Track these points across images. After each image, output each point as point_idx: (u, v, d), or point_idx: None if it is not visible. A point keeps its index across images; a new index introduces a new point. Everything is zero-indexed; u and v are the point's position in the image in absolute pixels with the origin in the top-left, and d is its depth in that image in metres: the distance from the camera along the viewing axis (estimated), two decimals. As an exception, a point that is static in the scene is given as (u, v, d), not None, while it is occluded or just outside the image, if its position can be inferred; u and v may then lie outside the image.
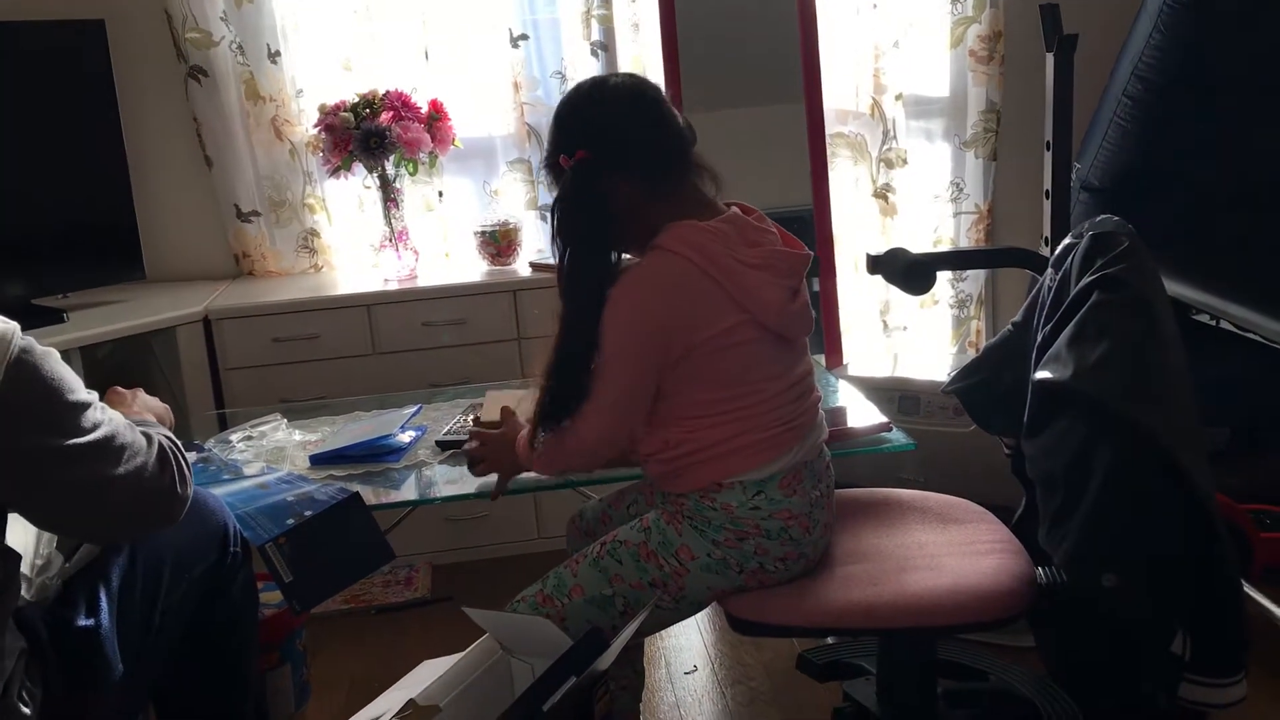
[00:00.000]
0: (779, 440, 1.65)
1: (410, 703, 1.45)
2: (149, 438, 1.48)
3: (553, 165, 1.65)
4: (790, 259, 1.65)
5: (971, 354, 3.31)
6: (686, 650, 2.55)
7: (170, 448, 1.51)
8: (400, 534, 2.22)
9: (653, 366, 1.59)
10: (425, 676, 1.56)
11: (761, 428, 1.64)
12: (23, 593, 1.49)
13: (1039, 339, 1.63)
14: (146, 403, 1.81)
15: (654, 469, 1.72)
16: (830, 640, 2.26)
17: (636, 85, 1.65)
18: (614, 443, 1.67)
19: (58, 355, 1.40)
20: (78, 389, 1.40)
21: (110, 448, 1.40)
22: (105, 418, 1.42)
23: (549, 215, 1.66)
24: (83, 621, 1.52)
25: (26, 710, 1.41)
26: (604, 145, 1.60)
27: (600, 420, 1.62)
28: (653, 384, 1.61)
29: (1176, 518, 1.42)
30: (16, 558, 1.43)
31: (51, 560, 1.58)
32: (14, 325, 1.35)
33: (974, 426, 2.20)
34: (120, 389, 1.80)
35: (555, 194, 1.63)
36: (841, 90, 3.23)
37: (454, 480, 2.00)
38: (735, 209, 1.67)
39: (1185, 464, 1.41)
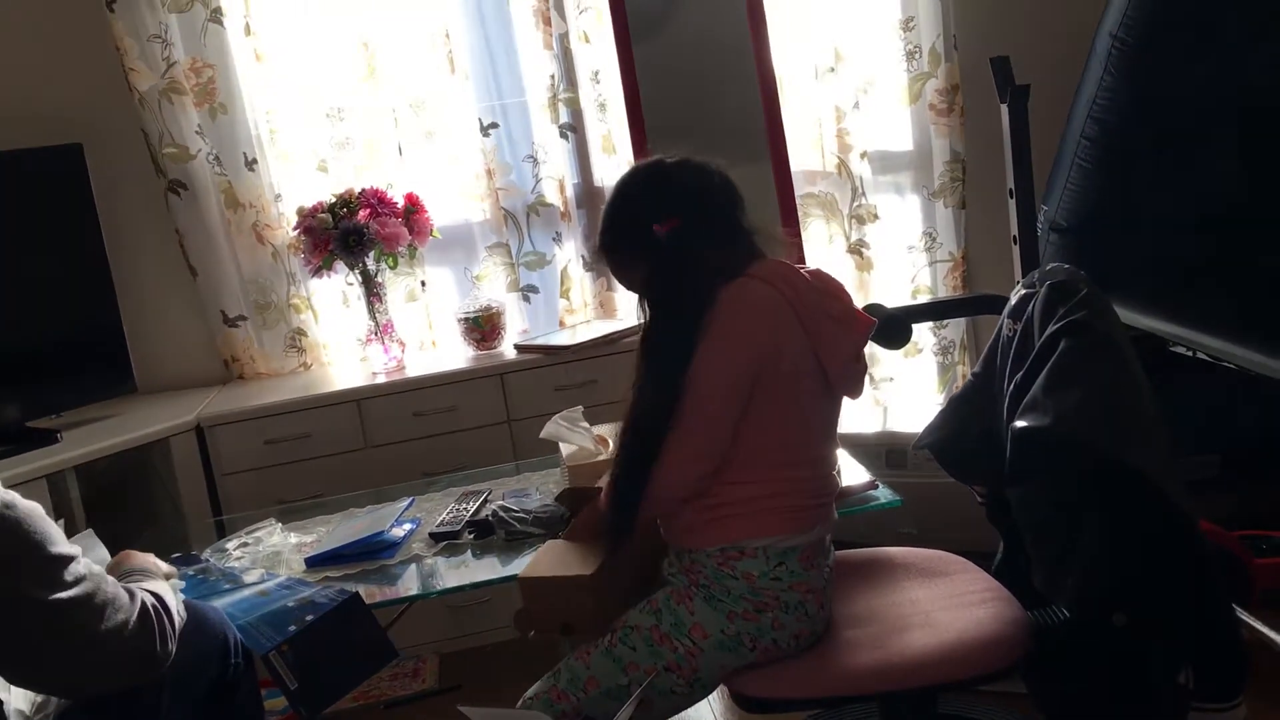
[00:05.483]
0: (812, 514, 1.70)
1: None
2: (132, 594, 1.51)
3: (630, 236, 1.73)
4: (862, 322, 1.74)
5: (959, 399, 3.33)
6: (698, 722, 2.54)
7: (154, 605, 1.53)
8: (403, 626, 2.23)
9: (742, 397, 1.63)
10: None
11: (801, 494, 1.69)
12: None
13: (1009, 388, 1.66)
14: (146, 562, 1.80)
15: (683, 519, 1.72)
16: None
17: (704, 162, 1.76)
18: (696, 483, 1.67)
19: (41, 510, 1.43)
20: (60, 542, 1.43)
21: (93, 604, 1.43)
22: (88, 572, 1.45)
23: (648, 284, 1.73)
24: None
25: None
26: (693, 213, 1.70)
27: (685, 457, 1.64)
28: (738, 415, 1.64)
29: (1179, 552, 1.44)
30: None
31: (49, 698, 1.59)
32: None
33: (960, 476, 2.20)
34: (132, 552, 1.79)
35: (652, 260, 1.70)
36: (807, 152, 3.30)
37: (452, 569, 2.03)
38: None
39: (1173, 496, 1.43)
